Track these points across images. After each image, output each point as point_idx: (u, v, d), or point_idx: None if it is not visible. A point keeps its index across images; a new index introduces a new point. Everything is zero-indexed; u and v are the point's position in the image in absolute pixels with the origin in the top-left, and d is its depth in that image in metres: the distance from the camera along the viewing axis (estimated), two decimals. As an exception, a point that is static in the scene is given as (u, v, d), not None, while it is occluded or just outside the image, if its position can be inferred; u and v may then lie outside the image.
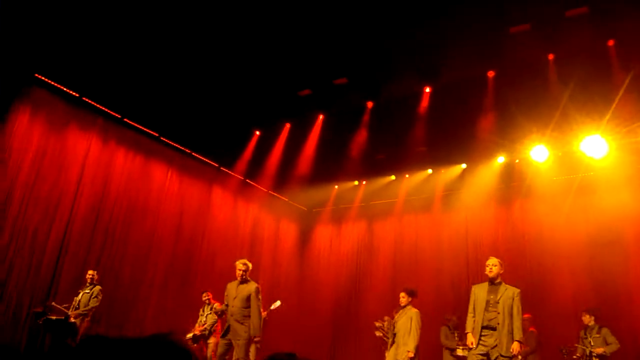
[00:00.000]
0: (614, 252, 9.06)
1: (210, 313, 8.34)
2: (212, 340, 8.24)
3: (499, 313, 5.30)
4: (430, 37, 7.15)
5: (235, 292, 6.32)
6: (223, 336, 6.28)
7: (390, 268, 11.76)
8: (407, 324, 6.60)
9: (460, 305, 10.32)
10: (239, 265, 6.44)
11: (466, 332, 5.51)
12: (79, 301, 7.24)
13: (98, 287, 7.36)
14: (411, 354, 6.40)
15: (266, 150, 9.94)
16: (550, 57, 7.02)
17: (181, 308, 9.37)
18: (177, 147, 9.89)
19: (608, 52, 6.80)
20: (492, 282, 5.53)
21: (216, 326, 8.29)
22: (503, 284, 5.51)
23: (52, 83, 7.84)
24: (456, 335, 8.52)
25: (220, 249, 10.54)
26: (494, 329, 5.27)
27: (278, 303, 8.16)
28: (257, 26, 7.18)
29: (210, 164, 10.63)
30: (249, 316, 6.18)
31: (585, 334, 7.68)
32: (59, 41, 7.00)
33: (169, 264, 9.47)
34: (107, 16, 6.82)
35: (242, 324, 6.16)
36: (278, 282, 12.16)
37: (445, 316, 8.98)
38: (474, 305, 5.53)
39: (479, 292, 5.56)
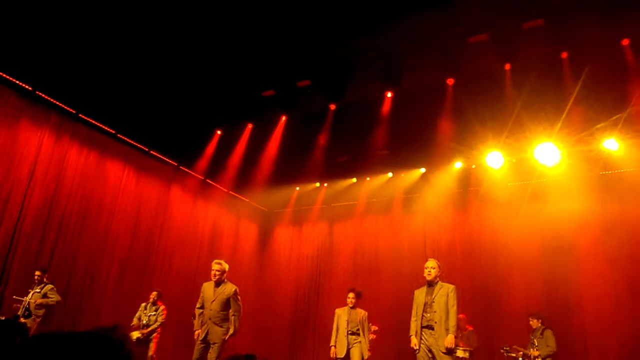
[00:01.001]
0: (565, 257, 9.41)
1: (154, 314, 8.10)
2: (154, 342, 8.02)
3: (435, 312, 5.45)
4: (392, 42, 7.27)
5: (213, 294, 6.18)
6: (202, 340, 6.10)
7: (350, 269, 11.86)
8: (361, 324, 6.95)
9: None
10: (214, 265, 6.31)
11: (409, 335, 5.61)
12: (28, 301, 6.97)
13: (49, 286, 7.09)
14: (366, 356, 6.76)
15: (227, 150, 9.84)
16: (507, 66, 7.24)
17: (136, 305, 9.16)
18: (134, 145, 9.65)
19: (561, 63, 7.07)
20: (430, 284, 5.65)
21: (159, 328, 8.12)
22: (440, 283, 5.64)
23: (4, 75, 7.51)
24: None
25: (179, 248, 10.38)
26: (432, 327, 5.42)
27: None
28: (222, 25, 7.11)
29: (169, 162, 10.44)
30: (227, 319, 6.12)
31: (532, 336, 8.02)
32: (12, 32, 6.72)
33: (124, 261, 9.26)
34: (64, 7, 6.61)
35: (220, 326, 6.08)
36: (238, 283, 11.91)
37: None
38: (415, 309, 5.66)
39: (419, 295, 5.71)
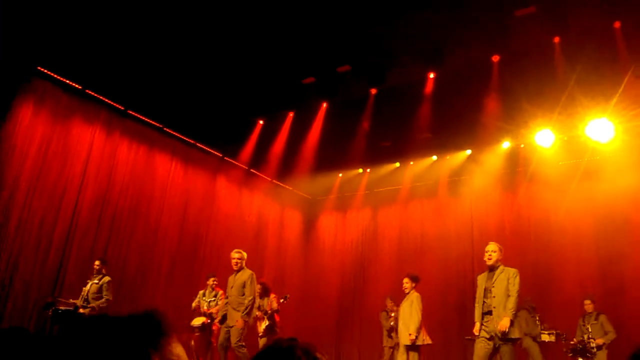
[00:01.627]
0: (620, 237, 9.04)
1: (214, 300, 8.24)
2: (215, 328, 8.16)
3: (494, 297, 5.27)
4: (433, 21, 7.07)
5: (232, 281, 6.63)
6: (221, 322, 6.56)
7: (395, 255, 11.77)
8: (408, 308, 6.69)
9: (465, 291, 10.38)
10: (234, 254, 6.77)
11: (475, 321, 5.49)
12: (88, 291, 7.25)
13: (107, 279, 7.28)
14: (413, 336, 6.48)
15: (270, 139, 9.91)
16: (556, 40, 6.93)
17: (188, 297, 9.38)
18: (180, 138, 9.86)
19: (614, 35, 6.71)
20: (491, 269, 5.47)
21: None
22: (501, 267, 5.43)
23: (55, 76, 7.80)
24: (537, 319, 8.13)
25: (226, 239, 10.55)
26: (491, 313, 5.26)
27: (287, 297, 8.23)
28: (260, 15, 7.13)
29: (214, 153, 10.62)
30: (244, 304, 6.45)
31: (583, 321, 7.71)
32: (61, 33, 6.96)
33: (175, 254, 9.50)
34: (109, 7, 6.78)
35: (237, 310, 6.43)
36: (283, 271, 12.21)
37: (525, 299, 8.27)
38: (478, 294, 5.51)
39: (481, 281, 5.55)
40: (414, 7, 6.86)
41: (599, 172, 9.31)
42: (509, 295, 5.22)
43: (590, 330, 7.42)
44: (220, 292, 8.31)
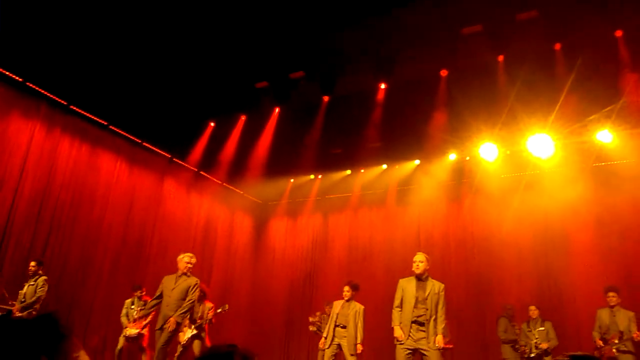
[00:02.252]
0: (559, 249, 9.44)
1: (143, 309, 7.85)
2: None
3: (427, 309, 5.42)
4: (385, 33, 7.23)
5: (174, 283, 6.44)
6: (159, 329, 6.30)
7: (344, 261, 11.87)
8: (353, 317, 6.69)
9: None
10: (186, 257, 6.56)
11: (393, 325, 5.57)
12: (25, 294, 6.97)
13: (43, 277, 7.06)
14: (360, 348, 6.57)
15: (221, 141, 9.80)
16: (500, 58, 7.22)
17: (130, 297, 9.16)
18: (126, 136, 9.59)
19: (554, 55, 7.05)
20: (419, 277, 5.60)
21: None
22: (430, 279, 5.60)
23: (-6, 66, 7.44)
24: (516, 327, 8.12)
25: (173, 240, 10.35)
26: (422, 324, 5.39)
27: (226, 307, 8.01)
28: (216, 17, 7.06)
29: (161, 154, 10.38)
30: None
31: (528, 327, 7.83)
32: (1, 22, 6.64)
33: (118, 253, 9.24)
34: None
35: (175, 312, 6.27)
36: (232, 275, 12.09)
37: (505, 305, 8.53)
38: (401, 299, 5.60)
39: (407, 287, 5.63)
40: (368, 17, 6.99)
41: (539, 186, 9.70)
42: (437, 311, 5.42)
43: (537, 336, 7.58)
44: (149, 300, 8.11)
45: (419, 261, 5.62)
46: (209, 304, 7.98)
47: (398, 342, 5.45)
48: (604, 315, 7.00)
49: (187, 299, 6.39)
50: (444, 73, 7.80)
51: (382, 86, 8.25)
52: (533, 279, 9.66)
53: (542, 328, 7.67)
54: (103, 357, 8.60)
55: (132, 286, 8.50)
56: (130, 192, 9.63)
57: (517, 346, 7.86)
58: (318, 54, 7.83)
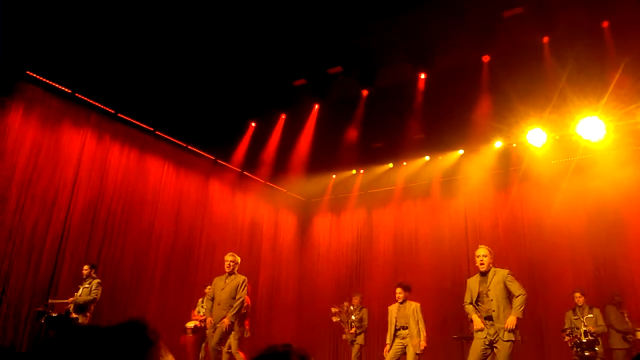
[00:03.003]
0: (613, 234, 9.07)
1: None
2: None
3: (492, 300, 5.18)
4: (423, 22, 7.10)
5: (224, 283, 6.65)
6: (213, 327, 6.48)
7: (390, 256, 11.77)
8: (413, 316, 6.64)
9: (460, 291, 10.34)
10: (228, 257, 6.82)
11: (471, 317, 5.37)
12: (79, 296, 7.24)
13: (96, 280, 7.28)
14: (424, 345, 6.51)
15: (262, 141, 9.90)
16: (545, 39, 6.95)
17: (182, 300, 9.41)
18: (172, 141, 9.83)
19: (604, 34, 6.74)
20: (483, 273, 5.38)
21: None
22: (492, 269, 5.34)
23: (44, 80, 7.76)
24: (626, 315, 7.72)
25: (220, 241, 10.53)
26: (491, 318, 5.17)
27: (247, 334, 7.97)
28: (250, 17, 7.12)
29: (206, 156, 10.59)
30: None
31: (575, 314, 7.58)
32: (50, 37, 6.93)
33: (168, 258, 9.47)
34: (98, 10, 6.75)
35: (226, 312, 6.43)
36: (279, 273, 12.20)
37: (613, 292, 8.10)
38: (470, 297, 5.42)
39: (472, 285, 5.45)
40: (403, 8, 6.88)
41: (590, 171, 9.34)
42: (516, 296, 5.14)
43: (586, 323, 7.32)
44: None
45: (483, 255, 5.35)
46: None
47: (478, 331, 5.21)
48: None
49: (237, 297, 6.54)
50: (486, 59, 7.58)
51: (422, 76, 8.12)
52: (588, 264, 9.32)
53: (591, 315, 7.41)
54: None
55: (203, 284, 8.77)
56: (177, 195, 9.86)
57: (566, 333, 7.52)
58: (355, 47, 7.78)
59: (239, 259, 6.86)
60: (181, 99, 8.57)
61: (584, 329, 7.26)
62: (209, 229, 10.40)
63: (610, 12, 6.43)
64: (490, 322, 5.17)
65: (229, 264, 6.74)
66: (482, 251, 5.40)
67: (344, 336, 9.26)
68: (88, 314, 7.20)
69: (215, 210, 10.65)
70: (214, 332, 6.46)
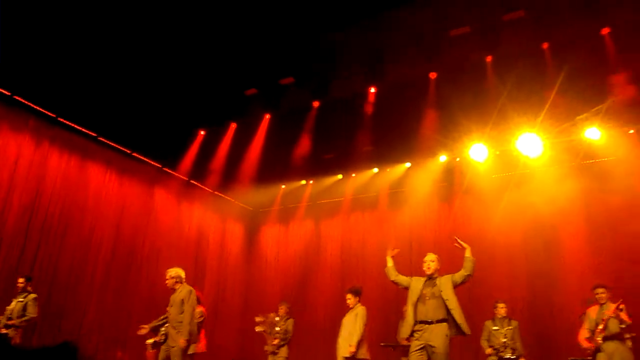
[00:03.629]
0: (550, 247, 9.50)
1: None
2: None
3: (447, 300, 5.36)
4: (374, 37, 7.27)
5: (172, 300, 6.35)
6: (163, 343, 6.26)
7: (337, 266, 11.84)
8: (353, 320, 6.69)
9: (404, 302, 10.57)
10: (167, 273, 6.48)
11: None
12: (12, 310, 6.82)
13: (32, 296, 6.91)
14: (353, 349, 6.47)
15: (211, 150, 9.74)
16: (489, 59, 7.28)
17: (123, 310, 9.09)
18: (116, 147, 9.50)
19: (543, 54, 7.13)
20: (430, 277, 5.59)
21: None
22: (438, 277, 5.57)
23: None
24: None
25: (165, 250, 10.26)
26: (430, 322, 5.32)
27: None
28: (203, 25, 7.03)
29: (152, 164, 10.29)
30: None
31: (494, 324, 7.51)
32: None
33: (108, 266, 9.12)
34: (39, 7, 6.46)
35: (177, 330, 6.15)
36: (225, 282, 12.01)
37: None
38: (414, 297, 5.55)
39: (415, 285, 5.61)
40: (356, 22, 7.02)
41: (529, 185, 9.78)
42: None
43: (506, 335, 7.25)
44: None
45: (430, 261, 5.63)
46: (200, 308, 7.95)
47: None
48: (592, 313, 6.63)
49: (185, 312, 6.23)
50: (433, 75, 7.84)
51: (372, 90, 8.28)
52: (523, 276, 9.70)
53: (510, 327, 7.34)
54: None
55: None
56: (120, 203, 9.53)
57: (485, 344, 7.45)
58: (307, 59, 7.84)
59: (180, 271, 6.50)
60: (127, 104, 8.30)
61: (503, 340, 7.24)
62: (152, 237, 10.10)
63: (550, 35, 6.82)
64: (427, 325, 5.30)
65: (167, 281, 6.43)
66: (430, 257, 5.66)
67: (265, 347, 8.97)
68: (19, 330, 6.79)
69: (160, 218, 10.36)
70: (165, 348, 6.21)
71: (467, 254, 5.61)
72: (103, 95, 7.96)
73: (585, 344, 6.59)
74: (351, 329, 6.62)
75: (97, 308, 8.76)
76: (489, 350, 7.31)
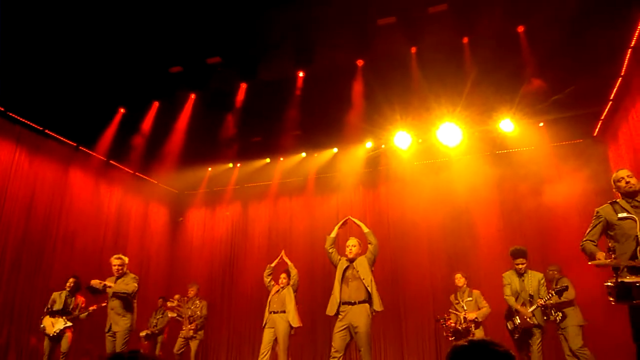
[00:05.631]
0: (466, 231, 10.09)
1: (162, 317, 9.81)
2: (160, 339, 9.81)
3: (363, 279, 5.75)
4: (304, 21, 7.23)
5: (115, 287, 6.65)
6: (107, 331, 6.58)
7: (265, 251, 11.84)
8: (290, 297, 7.40)
9: (329, 285, 10.82)
10: (114, 260, 6.76)
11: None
12: None
13: None
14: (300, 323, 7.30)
15: (132, 129, 9.31)
16: (413, 49, 7.50)
17: (35, 292, 8.62)
18: (26, 124, 8.85)
19: (463, 48, 7.44)
20: (351, 260, 5.93)
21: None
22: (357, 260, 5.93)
23: None
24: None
25: (81, 232, 9.79)
26: (353, 303, 5.66)
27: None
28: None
29: (67, 142, 9.70)
30: (129, 309, 6.61)
31: (456, 298, 7.54)
32: None
33: (19, 248, 8.56)
34: None
35: (122, 316, 6.56)
36: (147, 267, 11.68)
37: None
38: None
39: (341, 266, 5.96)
40: (286, 4, 6.95)
41: (448, 173, 10.35)
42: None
43: (465, 307, 7.30)
44: (168, 310, 9.68)
45: (352, 245, 5.97)
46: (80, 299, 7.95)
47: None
48: (514, 279, 6.52)
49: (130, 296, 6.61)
50: (360, 63, 7.96)
51: (301, 74, 8.27)
52: (443, 261, 10.25)
53: (470, 298, 7.37)
54: (6, 358, 7.98)
55: (160, 296, 10.14)
56: (31, 183, 8.92)
57: (440, 320, 7.48)
58: (236, 39, 7.66)
59: (126, 260, 6.86)
60: (40, 78, 7.73)
61: (463, 314, 7.27)
62: (67, 218, 9.58)
63: (471, 29, 7.12)
64: (350, 305, 5.61)
65: (117, 268, 6.70)
66: (352, 241, 6.01)
67: (182, 333, 8.95)
68: None
69: (75, 199, 9.83)
70: (110, 336, 6.56)
71: (365, 229, 6.10)
72: (14, 68, 7.35)
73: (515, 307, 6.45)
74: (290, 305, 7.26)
75: (7, 293, 8.24)
76: (450, 322, 7.37)
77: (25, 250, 8.68)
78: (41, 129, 9.12)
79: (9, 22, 6.72)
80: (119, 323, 6.52)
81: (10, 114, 8.53)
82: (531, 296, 6.38)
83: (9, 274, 8.33)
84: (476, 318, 7.18)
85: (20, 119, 8.71)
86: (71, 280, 7.88)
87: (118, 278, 6.71)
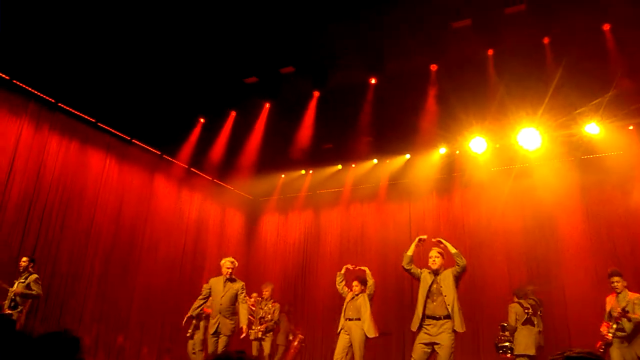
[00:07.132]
0: (547, 240, 9.58)
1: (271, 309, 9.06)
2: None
3: (445, 296, 5.40)
4: (375, 28, 7.23)
5: (223, 290, 6.79)
6: (214, 334, 6.70)
7: (336, 256, 11.89)
8: (364, 305, 6.95)
9: (403, 292, 10.68)
10: (227, 263, 6.91)
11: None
12: (15, 292, 6.87)
13: (34, 276, 6.89)
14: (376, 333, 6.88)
15: (211, 138, 9.75)
16: (490, 52, 7.26)
17: (122, 297, 9.16)
18: (115, 134, 9.51)
19: (543, 49, 7.11)
20: (435, 273, 5.59)
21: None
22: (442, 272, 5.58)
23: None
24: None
25: (164, 238, 10.32)
26: (438, 318, 5.38)
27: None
28: (205, 12, 7.01)
29: (151, 151, 10.32)
30: (235, 313, 6.74)
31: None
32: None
33: (109, 253, 9.17)
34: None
35: (230, 320, 6.69)
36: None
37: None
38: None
39: (425, 278, 5.61)
40: (357, 12, 6.99)
41: (528, 178, 9.85)
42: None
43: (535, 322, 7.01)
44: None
45: (435, 256, 5.59)
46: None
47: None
48: (609, 303, 6.27)
49: (241, 304, 6.73)
50: (434, 67, 7.83)
51: (373, 81, 8.27)
52: (523, 269, 9.79)
53: (541, 315, 7.21)
54: (96, 358, 8.57)
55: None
56: (120, 189, 9.55)
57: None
58: (308, 48, 7.82)
59: (236, 263, 7.03)
60: (127, 91, 8.29)
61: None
62: (152, 224, 10.15)
63: (550, 28, 6.79)
64: (434, 320, 5.36)
65: (229, 270, 6.84)
66: (434, 252, 5.64)
67: (250, 331, 8.48)
68: (24, 310, 6.86)
69: (159, 206, 10.40)
70: (214, 337, 6.68)
71: (452, 249, 5.59)
72: (103, 81, 7.96)
73: (604, 332, 6.15)
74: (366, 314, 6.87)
75: (97, 295, 8.82)
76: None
77: (114, 256, 9.24)
78: (129, 138, 9.76)
79: (103, 38, 7.28)
80: (227, 325, 6.67)
81: (101, 125, 9.19)
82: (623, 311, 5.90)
83: (98, 281, 8.90)
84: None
85: (110, 129, 9.37)
86: None
87: (227, 281, 6.83)
